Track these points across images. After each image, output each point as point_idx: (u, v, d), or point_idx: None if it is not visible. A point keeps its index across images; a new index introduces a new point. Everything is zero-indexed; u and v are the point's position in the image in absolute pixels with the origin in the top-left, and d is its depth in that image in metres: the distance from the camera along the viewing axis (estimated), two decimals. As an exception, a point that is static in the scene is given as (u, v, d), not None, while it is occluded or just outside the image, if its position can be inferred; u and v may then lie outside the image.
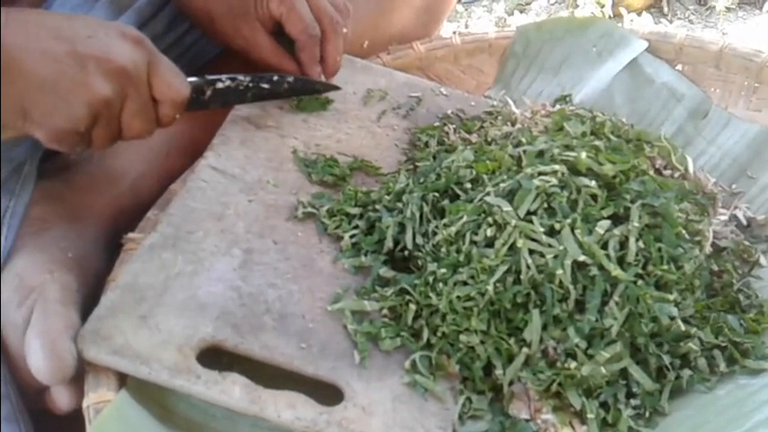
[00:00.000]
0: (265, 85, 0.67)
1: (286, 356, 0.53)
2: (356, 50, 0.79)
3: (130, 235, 0.61)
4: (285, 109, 0.71)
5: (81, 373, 0.51)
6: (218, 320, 0.53)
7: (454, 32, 0.83)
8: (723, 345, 0.52)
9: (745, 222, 0.62)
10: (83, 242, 0.62)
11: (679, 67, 0.76)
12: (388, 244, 0.59)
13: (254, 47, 0.67)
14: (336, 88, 0.72)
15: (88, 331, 0.51)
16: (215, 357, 0.53)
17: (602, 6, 1.98)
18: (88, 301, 0.56)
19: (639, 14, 2.02)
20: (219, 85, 0.64)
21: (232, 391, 0.50)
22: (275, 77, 0.68)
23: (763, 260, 0.59)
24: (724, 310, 0.54)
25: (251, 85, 0.66)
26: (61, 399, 0.51)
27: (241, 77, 0.66)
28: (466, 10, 2.23)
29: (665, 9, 2.12)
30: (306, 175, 0.65)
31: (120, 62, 0.53)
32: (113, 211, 0.66)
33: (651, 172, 0.59)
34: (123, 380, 0.51)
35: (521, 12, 2.18)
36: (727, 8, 2.09)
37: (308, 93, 0.71)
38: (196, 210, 0.61)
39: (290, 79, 0.68)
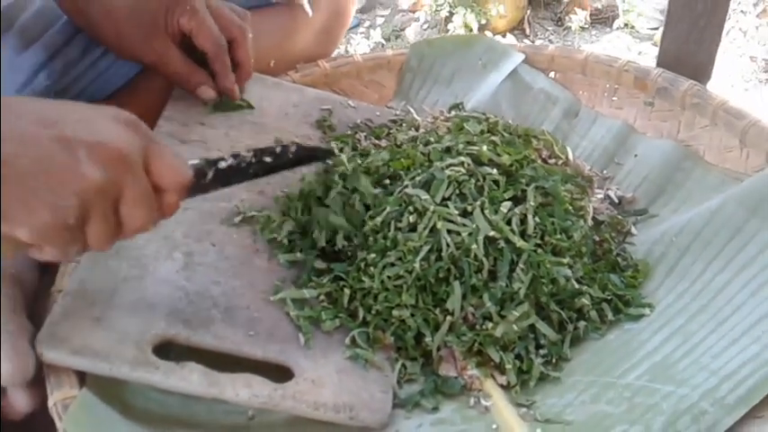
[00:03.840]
0: (268, 159, 0.61)
1: (236, 344, 0.57)
2: (264, 69, 0.85)
3: (69, 248, 0.63)
4: (207, 124, 0.75)
5: (35, 377, 0.53)
6: (169, 317, 0.57)
7: (355, 51, 0.90)
8: (609, 298, 0.62)
9: (616, 200, 0.74)
10: (20, 260, 0.63)
11: (552, 74, 0.87)
12: (321, 243, 0.64)
13: (166, 61, 0.70)
14: (334, 153, 0.71)
15: (45, 335, 0.53)
16: (168, 355, 0.56)
17: (470, 30, 2.15)
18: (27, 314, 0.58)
19: (504, 36, 2.20)
20: (222, 164, 0.57)
21: (190, 377, 0.54)
22: (278, 149, 0.61)
23: (633, 230, 0.70)
24: (607, 271, 0.65)
25: (254, 160, 0.60)
26: (19, 401, 0.53)
27: (244, 153, 0.59)
28: (345, 37, 2.34)
29: (527, 30, 2.33)
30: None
31: (115, 146, 0.46)
32: None
33: (539, 161, 0.70)
34: (83, 379, 0.53)
35: (396, 37, 2.31)
36: (581, 27, 2.32)
37: (311, 160, 0.66)
38: (134, 219, 0.64)
39: (293, 149, 0.62)
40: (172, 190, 0.50)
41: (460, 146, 0.66)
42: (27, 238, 0.44)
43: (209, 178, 0.56)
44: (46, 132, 0.44)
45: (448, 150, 0.66)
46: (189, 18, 0.69)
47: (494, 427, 0.55)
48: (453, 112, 0.82)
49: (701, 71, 0.85)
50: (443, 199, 0.61)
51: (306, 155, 0.64)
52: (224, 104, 0.76)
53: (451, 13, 2.23)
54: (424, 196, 0.61)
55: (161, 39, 0.70)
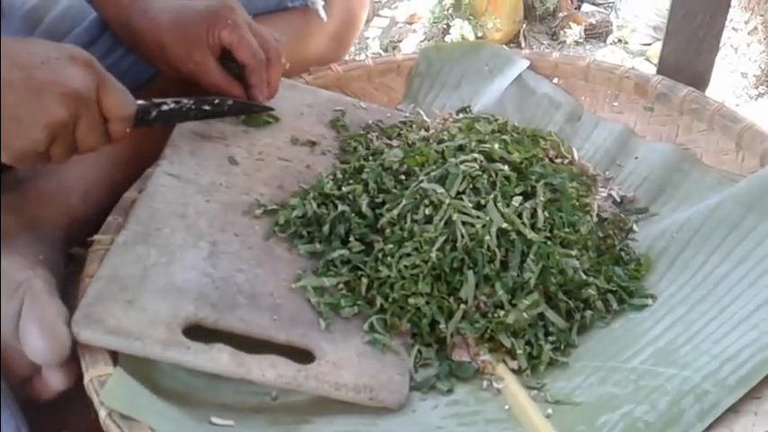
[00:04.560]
0: (207, 107, 0.74)
1: (261, 327, 0.60)
2: (280, 71, 0.88)
3: (96, 237, 0.66)
4: (226, 121, 0.78)
5: (70, 358, 0.56)
6: (197, 301, 0.60)
7: (366, 57, 0.94)
8: (614, 289, 0.66)
9: (618, 200, 0.77)
10: (46, 247, 0.66)
11: (555, 80, 0.91)
12: (341, 235, 0.67)
13: (205, 71, 0.74)
14: (270, 109, 0.80)
15: (80, 316, 0.56)
16: (195, 339, 0.59)
17: (467, 43, 2.20)
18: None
19: (500, 49, 2.25)
20: (164, 107, 0.70)
21: (220, 358, 0.56)
22: (216, 100, 0.74)
23: (635, 227, 0.74)
24: (612, 264, 0.68)
25: (193, 106, 0.73)
26: (54, 380, 0.55)
27: (185, 101, 0.72)
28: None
29: (523, 44, 2.38)
30: None
31: (73, 86, 0.57)
32: (67, 220, 0.70)
33: (546, 160, 0.73)
34: (115, 359, 0.56)
35: (393, 49, 2.36)
36: (576, 42, 2.37)
37: (245, 113, 0.78)
38: (160, 210, 0.67)
39: (230, 102, 0.75)
40: (118, 120, 0.62)
41: (473, 144, 0.69)
42: (7, 160, 0.57)
43: (153, 116, 0.69)
44: (19, 76, 0.55)
45: (461, 148, 0.69)
46: (230, 32, 0.73)
47: (506, 407, 0.58)
48: (461, 115, 0.86)
49: (699, 80, 0.89)
50: (458, 193, 0.65)
51: (242, 108, 0.77)
52: (254, 119, 0.79)
53: (449, 26, 2.28)
54: (440, 190, 0.64)
55: (201, 50, 0.74)
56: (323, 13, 0.90)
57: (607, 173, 0.81)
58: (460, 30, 2.15)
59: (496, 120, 0.78)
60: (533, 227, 0.64)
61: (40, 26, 0.78)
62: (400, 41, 2.42)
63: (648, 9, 2.32)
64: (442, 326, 0.62)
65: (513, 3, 2.30)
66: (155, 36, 0.74)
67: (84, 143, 0.61)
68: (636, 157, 0.82)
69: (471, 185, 0.65)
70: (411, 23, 2.47)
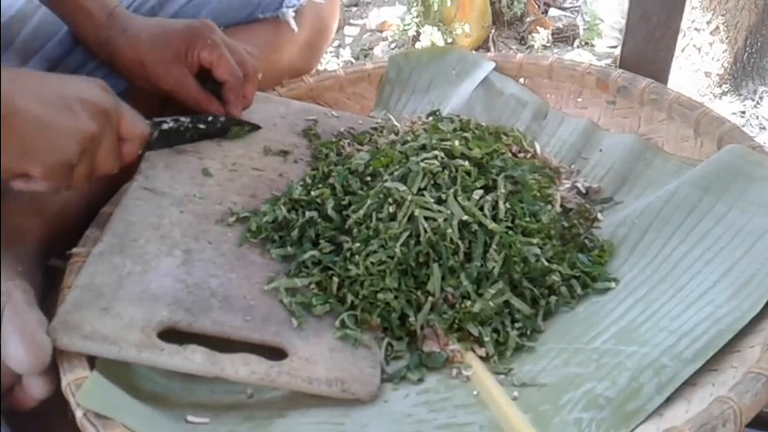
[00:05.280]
0: (202, 126, 0.78)
1: (234, 328, 0.62)
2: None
3: (75, 250, 0.68)
4: (200, 136, 0.81)
5: (49, 366, 0.58)
6: (171, 306, 0.62)
7: (338, 65, 0.96)
8: (577, 275, 0.67)
9: (584, 191, 0.79)
10: (25, 259, 0.68)
11: (521, 80, 0.93)
12: (311, 238, 0.70)
13: (183, 88, 0.77)
14: (258, 127, 0.83)
15: (58, 323, 0.58)
16: (170, 341, 0.60)
17: (437, 49, 2.24)
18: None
19: (470, 54, 2.29)
20: (165, 126, 0.74)
21: (193, 357, 0.58)
22: (210, 118, 0.78)
23: (600, 216, 0.76)
24: (576, 252, 0.70)
25: (190, 125, 0.77)
26: (35, 388, 0.57)
27: (182, 119, 0.76)
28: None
29: (492, 49, 2.41)
30: None
31: (100, 103, 0.60)
32: (44, 233, 0.73)
33: (509, 155, 0.75)
34: (92, 365, 0.58)
35: (365, 56, 2.40)
36: (543, 46, 2.41)
37: (233, 130, 0.81)
38: (135, 222, 0.69)
39: (222, 119, 0.80)
40: (135, 139, 0.65)
41: (434, 142, 0.71)
42: (38, 173, 0.58)
43: (155, 136, 0.73)
44: (50, 93, 0.57)
45: (423, 147, 0.72)
46: (210, 52, 0.77)
47: (475, 393, 0.60)
48: (430, 118, 0.88)
49: (657, 78, 0.91)
50: (419, 189, 0.67)
51: (233, 124, 0.80)
52: (234, 134, 0.82)
53: (419, 33, 2.32)
54: (402, 188, 0.67)
55: (180, 68, 0.77)
56: (293, 24, 0.93)
57: (573, 166, 0.83)
58: (430, 36, 2.19)
59: (461, 119, 0.80)
60: (495, 218, 0.66)
61: (13, 43, 0.80)
62: (371, 49, 2.46)
63: (614, 12, 2.37)
64: (412, 319, 0.64)
65: (481, 9, 2.35)
66: (135, 54, 0.77)
67: (103, 163, 0.63)
68: (600, 150, 0.84)
69: (432, 182, 0.67)
70: (382, 31, 2.51)
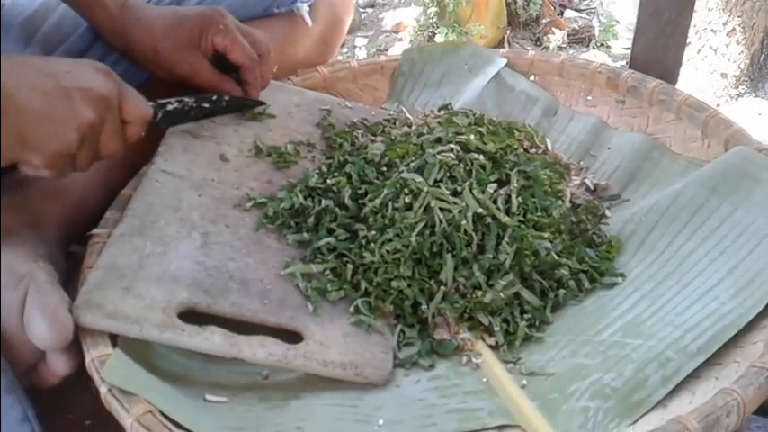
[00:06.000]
0: (206, 105, 0.79)
1: (252, 311, 0.64)
2: (269, 73, 0.92)
3: (95, 231, 0.69)
4: (217, 121, 0.82)
5: (72, 344, 0.59)
6: (191, 287, 0.63)
7: (351, 58, 0.98)
8: (585, 269, 0.69)
9: (592, 188, 0.81)
10: (47, 243, 0.70)
11: (532, 77, 0.95)
12: (327, 225, 0.71)
13: (198, 73, 0.79)
14: (262, 104, 0.84)
15: (81, 302, 0.59)
16: (190, 322, 0.62)
17: (453, 49, 2.25)
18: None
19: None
20: (169, 107, 0.75)
21: (213, 338, 0.60)
22: (214, 97, 0.80)
23: (607, 212, 0.78)
24: (585, 246, 0.71)
25: (194, 105, 0.78)
26: (58, 365, 0.59)
27: (186, 99, 0.77)
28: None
29: (507, 49, 2.43)
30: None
31: (99, 91, 0.61)
32: (66, 219, 0.74)
33: (521, 150, 0.77)
34: (114, 342, 0.59)
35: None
36: (559, 47, 2.42)
37: (240, 109, 0.83)
38: (155, 204, 0.70)
39: (227, 98, 0.81)
40: (137, 122, 0.66)
41: (450, 136, 0.73)
42: (40, 163, 0.59)
43: (160, 117, 0.74)
44: (49, 83, 0.58)
45: (439, 140, 0.73)
46: (223, 37, 0.78)
47: (484, 380, 0.62)
48: (442, 112, 0.89)
49: (668, 75, 0.93)
50: (436, 181, 0.68)
51: (237, 104, 0.81)
52: (251, 113, 0.83)
53: (434, 34, 2.33)
54: (419, 179, 0.68)
55: (194, 54, 0.79)
56: (308, 18, 0.95)
57: (582, 163, 0.85)
58: (446, 37, 2.20)
59: (474, 114, 0.82)
60: (508, 212, 0.68)
61: (36, 36, 0.82)
62: (386, 50, 2.47)
63: (630, 13, 2.38)
64: (424, 307, 0.66)
65: (496, 10, 2.35)
66: (149, 42, 0.79)
67: (106, 147, 0.64)
68: (609, 148, 0.86)
69: (448, 174, 0.69)
70: (397, 32, 2.52)
